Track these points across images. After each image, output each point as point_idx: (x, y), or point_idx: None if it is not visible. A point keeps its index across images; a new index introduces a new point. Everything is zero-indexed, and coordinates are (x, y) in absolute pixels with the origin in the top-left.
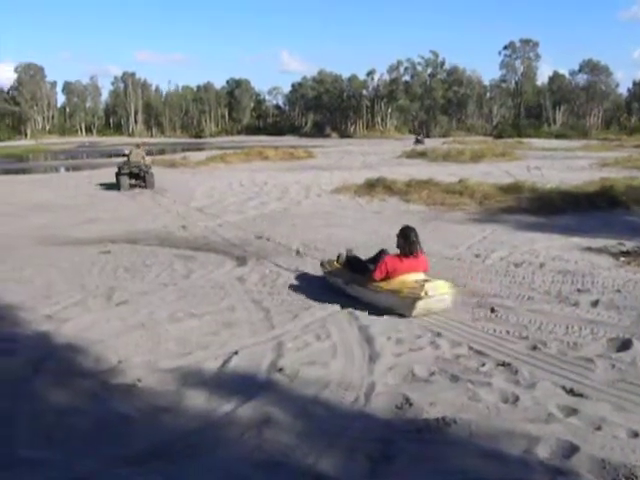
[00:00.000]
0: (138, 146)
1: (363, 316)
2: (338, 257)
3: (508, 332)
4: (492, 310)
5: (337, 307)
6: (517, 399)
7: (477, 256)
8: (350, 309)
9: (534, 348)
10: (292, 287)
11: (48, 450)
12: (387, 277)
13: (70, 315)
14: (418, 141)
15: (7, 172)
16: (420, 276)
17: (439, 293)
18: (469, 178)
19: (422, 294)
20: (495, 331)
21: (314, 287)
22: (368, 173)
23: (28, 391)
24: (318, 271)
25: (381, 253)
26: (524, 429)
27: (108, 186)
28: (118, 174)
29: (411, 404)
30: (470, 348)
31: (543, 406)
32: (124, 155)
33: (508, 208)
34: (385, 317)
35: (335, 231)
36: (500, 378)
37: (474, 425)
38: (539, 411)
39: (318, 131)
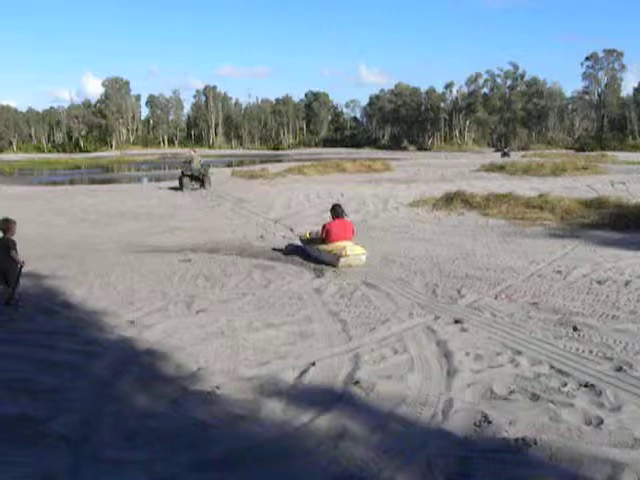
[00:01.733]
0: (194, 151)
1: (441, 331)
2: (310, 233)
3: (591, 352)
4: (574, 328)
5: (415, 321)
6: (601, 422)
7: (558, 272)
8: (429, 324)
9: (619, 369)
10: (369, 300)
11: (130, 451)
12: (328, 237)
13: (152, 321)
14: (505, 154)
15: (94, 182)
16: (348, 243)
17: (355, 254)
18: (550, 192)
19: (344, 253)
20: (578, 350)
21: (392, 301)
22: (446, 186)
23: (112, 393)
24: (397, 286)
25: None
26: (608, 454)
27: (189, 196)
28: (181, 177)
29: (490, 422)
30: (551, 367)
31: (629, 431)
32: (185, 162)
33: (591, 224)
34: (464, 333)
35: (413, 244)
36: (583, 399)
37: (555, 447)
38: (624, 436)
39: (395, 144)
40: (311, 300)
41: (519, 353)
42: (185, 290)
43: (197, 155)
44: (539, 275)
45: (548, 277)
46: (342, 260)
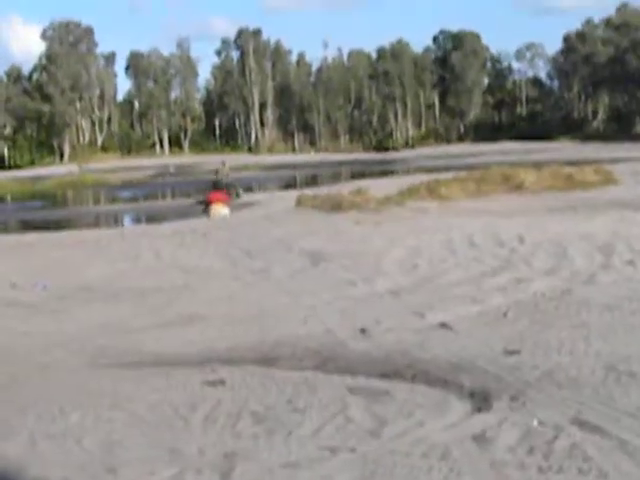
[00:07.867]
0: (223, 164)
1: None
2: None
3: None
4: None
5: None
6: None
7: None
8: None
9: None
10: (588, 458)
11: None
12: (210, 202)
13: None
14: None
15: (27, 227)
16: (220, 205)
17: (219, 212)
18: None
19: (212, 212)
20: None
21: (634, 461)
22: None
23: None
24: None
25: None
26: None
27: (216, 250)
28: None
29: None
30: None
31: None
32: (215, 174)
33: None
34: None
35: None
36: None
37: None
38: None
39: (620, 128)
40: (468, 460)
41: None
42: (216, 443)
43: (225, 168)
44: None
45: None
46: (211, 216)
